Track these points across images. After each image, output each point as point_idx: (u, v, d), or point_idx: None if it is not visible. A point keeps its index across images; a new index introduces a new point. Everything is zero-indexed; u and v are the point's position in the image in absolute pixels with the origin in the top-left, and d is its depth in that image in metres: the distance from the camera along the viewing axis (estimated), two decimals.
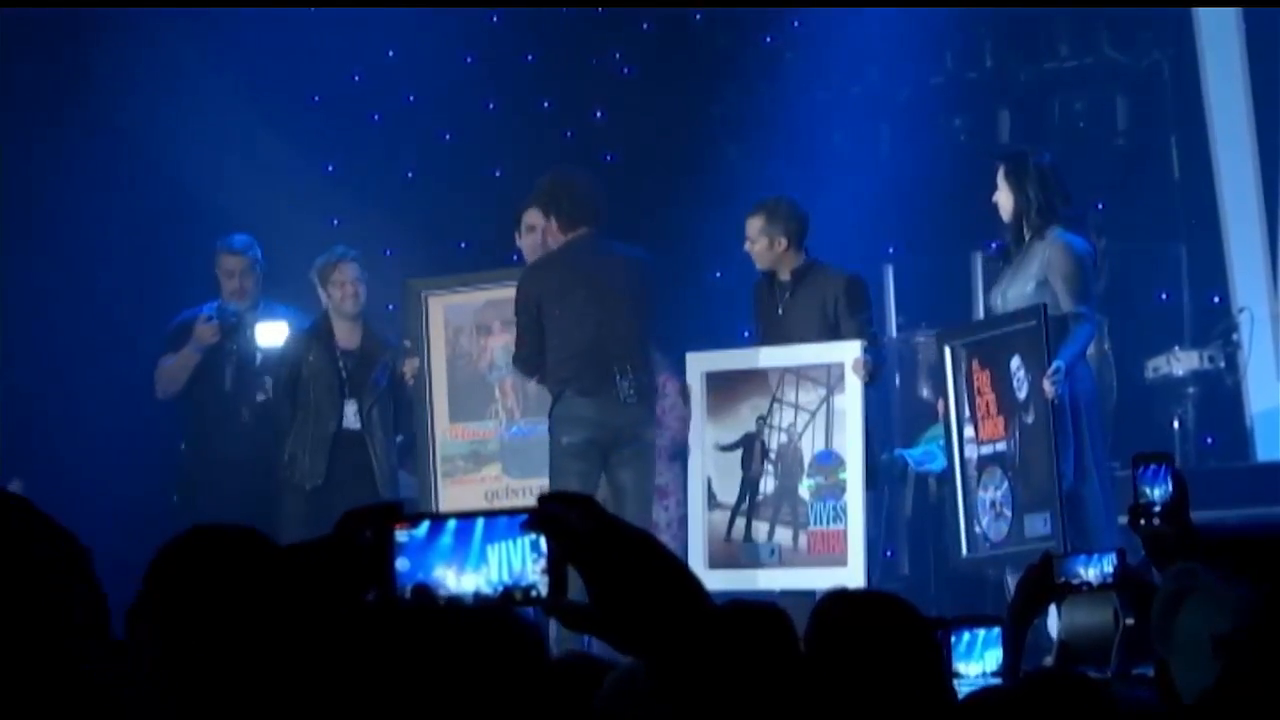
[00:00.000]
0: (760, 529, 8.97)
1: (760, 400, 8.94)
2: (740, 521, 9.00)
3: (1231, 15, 10.85)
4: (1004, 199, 8.58)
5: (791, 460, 8.93)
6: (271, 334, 9.74)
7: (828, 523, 8.83)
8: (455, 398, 9.49)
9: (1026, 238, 8.51)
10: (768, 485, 8.98)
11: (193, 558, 2.59)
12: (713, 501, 9.05)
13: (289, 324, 9.69)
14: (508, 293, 9.23)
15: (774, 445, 8.95)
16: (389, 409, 9.60)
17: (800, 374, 8.85)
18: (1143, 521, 4.38)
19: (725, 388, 9.03)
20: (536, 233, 9.16)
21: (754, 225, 8.98)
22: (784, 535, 8.91)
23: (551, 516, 2.02)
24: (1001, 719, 3.06)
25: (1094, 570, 4.41)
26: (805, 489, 8.83)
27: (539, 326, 8.80)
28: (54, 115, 10.97)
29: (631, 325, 8.77)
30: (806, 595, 8.33)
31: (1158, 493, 4.40)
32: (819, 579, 8.54)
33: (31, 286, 10.73)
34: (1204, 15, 10.94)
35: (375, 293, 11.67)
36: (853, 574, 8.69)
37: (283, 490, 9.47)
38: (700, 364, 9.11)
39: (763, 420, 8.93)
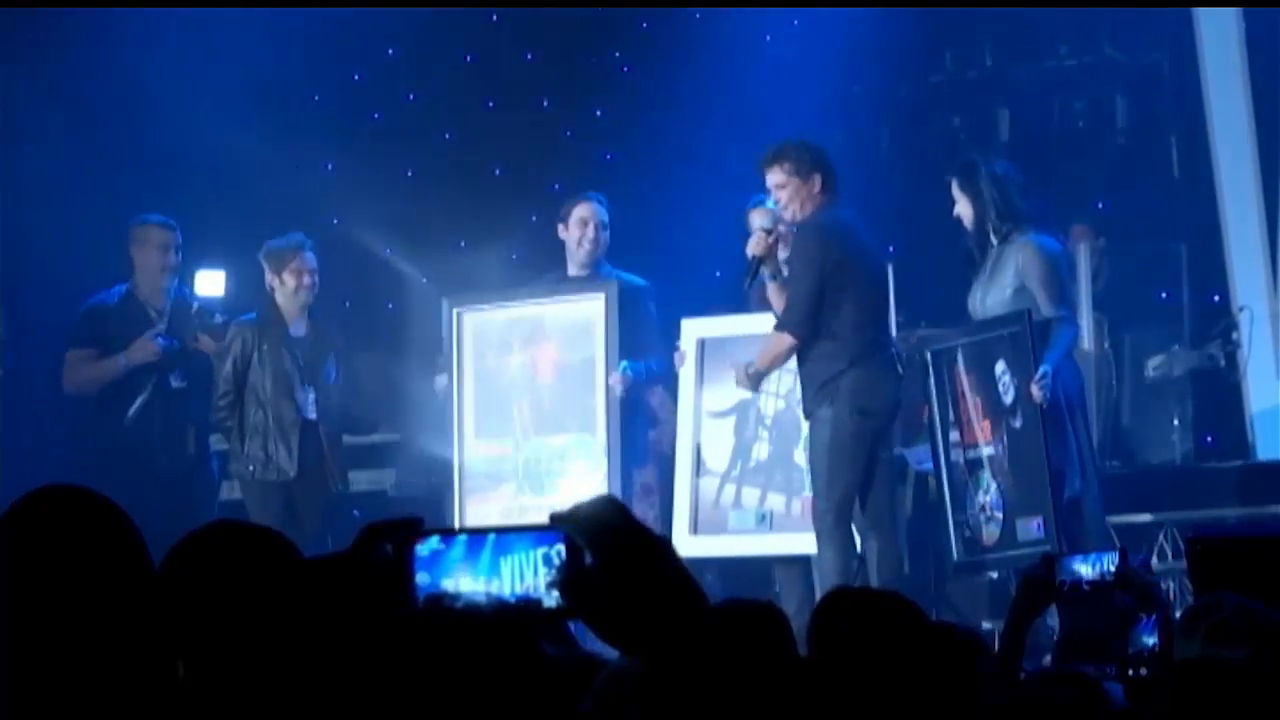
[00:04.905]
0: (750, 495, 8.92)
1: None
2: (730, 488, 8.96)
3: (1231, 15, 10.84)
4: (963, 208, 8.57)
5: (788, 425, 8.87)
6: (211, 283, 9.51)
7: None
8: (480, 415, 9.39)
9: (994, 243, 8.46)
10: (761, 451, 8.93)
11: (211, 554, 2.57)
12: (701, 469, 8.99)
13: (224, 273, 9.45)
14: (528, 311, 9.29)
15: (770, 411, 8.91)
16: (337, 403, 9.44)
17: None
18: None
19: (722, 354, 8.92)
20: (590, 227, 9.17)
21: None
22: (776, 501, 8.85)
23: (576, 514, 2.03)
24: (1005, 718, 3.07)
25: (1094, 569, 4.42)
26: (800, 454, 8.72)
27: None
28: (52, 115, 10.96)
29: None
30: (801, 560, 8.35)
31: None
32: (812, 544, 8.50)
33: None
34: (1203, 15, 10.93)
35: (376, 291, 11.70)
36: None
37: (245, 488, 9.26)
38: (696, 330, 9.08)
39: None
